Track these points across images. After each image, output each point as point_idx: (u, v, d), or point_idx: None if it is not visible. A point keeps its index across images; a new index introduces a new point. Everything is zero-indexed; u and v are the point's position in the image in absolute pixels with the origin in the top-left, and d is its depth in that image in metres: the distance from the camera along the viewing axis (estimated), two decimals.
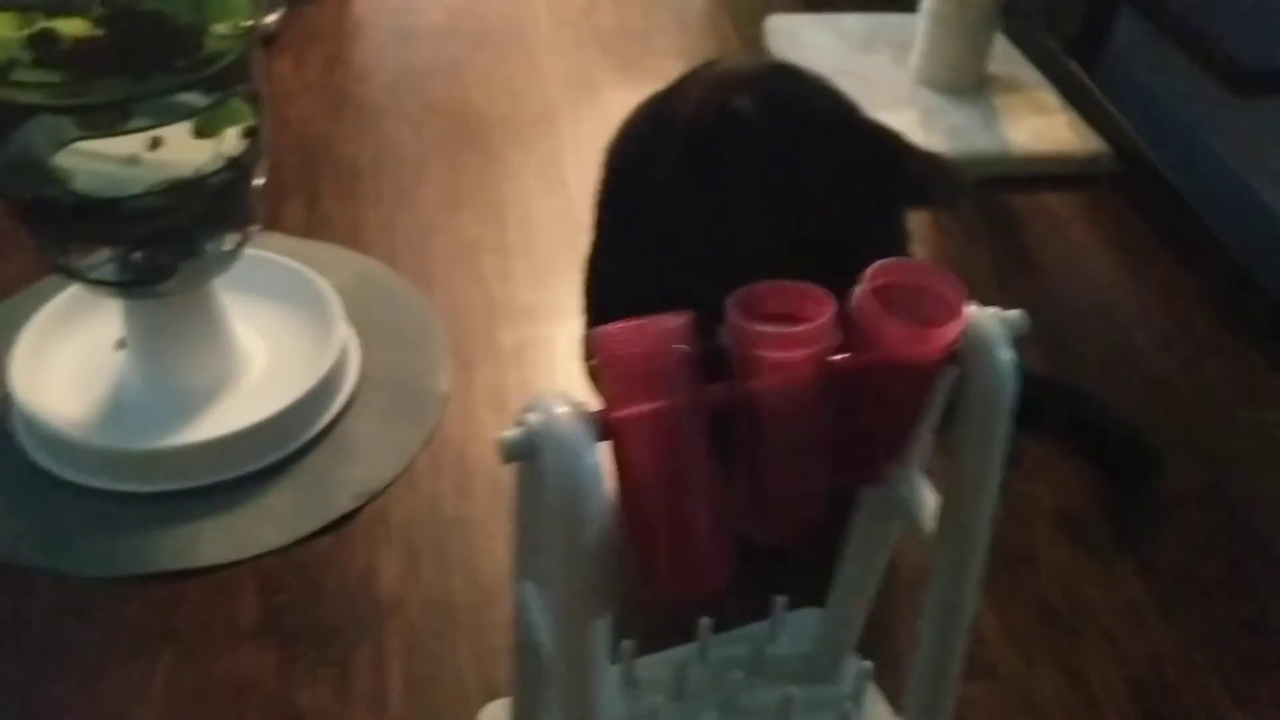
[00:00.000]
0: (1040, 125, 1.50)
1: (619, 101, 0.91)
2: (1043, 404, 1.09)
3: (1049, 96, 1.57)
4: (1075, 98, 1.55)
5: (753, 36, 1.73)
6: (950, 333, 0.55)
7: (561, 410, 0.52)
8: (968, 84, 1.56)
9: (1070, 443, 1.08)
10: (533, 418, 0.52)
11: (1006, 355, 0.57)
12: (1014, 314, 0.57)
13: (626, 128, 0.89)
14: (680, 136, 0.82)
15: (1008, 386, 0.58)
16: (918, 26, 1.56)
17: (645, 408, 0.52)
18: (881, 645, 0.86)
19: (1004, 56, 1.63)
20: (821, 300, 0.55)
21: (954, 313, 0.54)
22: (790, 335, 0.52)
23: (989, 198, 1.41)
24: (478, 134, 1.48)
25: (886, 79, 1.58)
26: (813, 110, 0.83)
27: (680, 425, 0.53)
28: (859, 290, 0.54)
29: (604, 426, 0.53)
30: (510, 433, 0.52)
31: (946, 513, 0.63)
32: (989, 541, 0.63)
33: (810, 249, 0.68)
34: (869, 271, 0.54)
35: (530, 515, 0.58)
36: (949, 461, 0.62)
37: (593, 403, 0.55)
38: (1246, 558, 0.99)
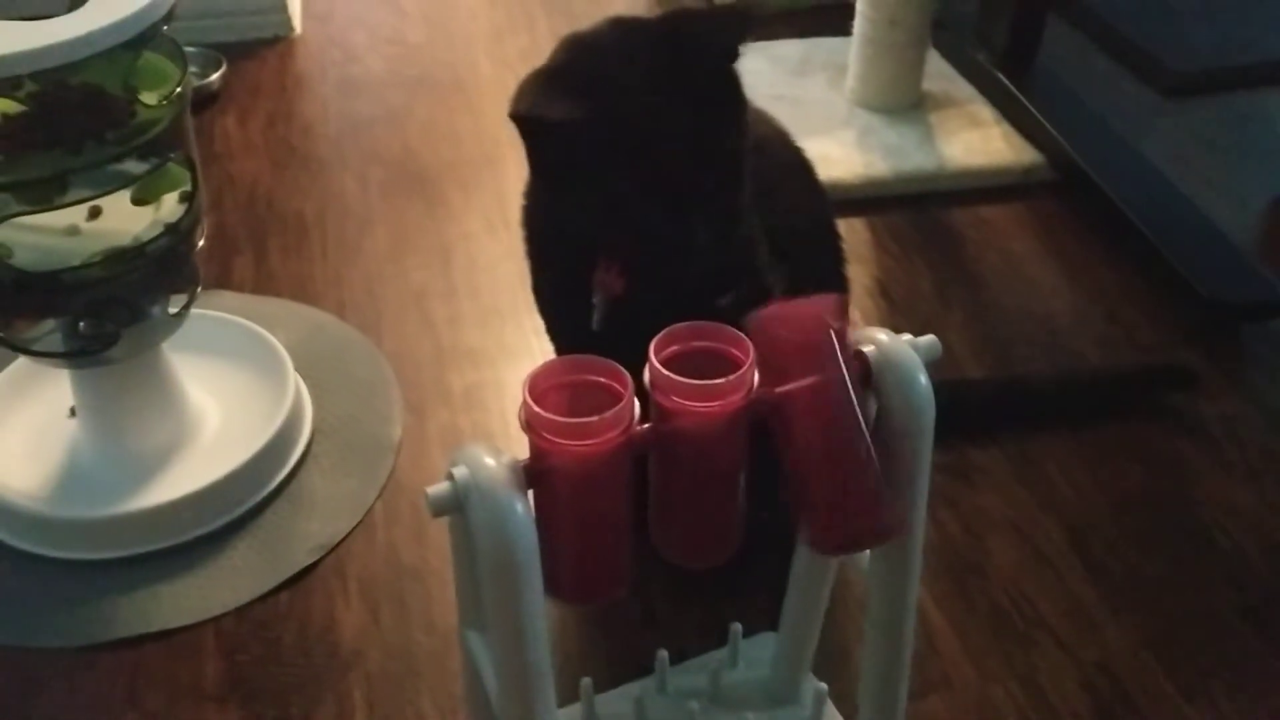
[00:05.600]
0: (975, 139, 1.53)
1: None
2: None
3: (983, 110, 1.60)
4: (1008, 110, 1.58)
5: None
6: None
7: (487, 463, 0.53)
8: (903, 102, 1.59)
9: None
10: (458, 472, 0.53)
11: (922, 381, 0.59)
12: (925, 340, 0.58)
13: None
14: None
15: (926, 411, 0.60)
16: (851, 49, 1.59)
17: (570, 460, 0.54)
18: (839, 666, 0.87)
19: (938, 73, 1.66)
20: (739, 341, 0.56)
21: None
22: (708, 387, 0.54)
23: (928, 213, 1.44)
24: (421, 180, 1.49)
25: (823, 102, 1.61)
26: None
27: (603, 473, 0.54)
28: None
29: (531, 475, 0.54)
30: (436, 488, 0.54)
31: None
32: (921, 560, 0.65)
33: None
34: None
35: (466, 566, 0.59)
36: None
37: (521, 451, 0.56)
38: (1191, 555, 1.01)
